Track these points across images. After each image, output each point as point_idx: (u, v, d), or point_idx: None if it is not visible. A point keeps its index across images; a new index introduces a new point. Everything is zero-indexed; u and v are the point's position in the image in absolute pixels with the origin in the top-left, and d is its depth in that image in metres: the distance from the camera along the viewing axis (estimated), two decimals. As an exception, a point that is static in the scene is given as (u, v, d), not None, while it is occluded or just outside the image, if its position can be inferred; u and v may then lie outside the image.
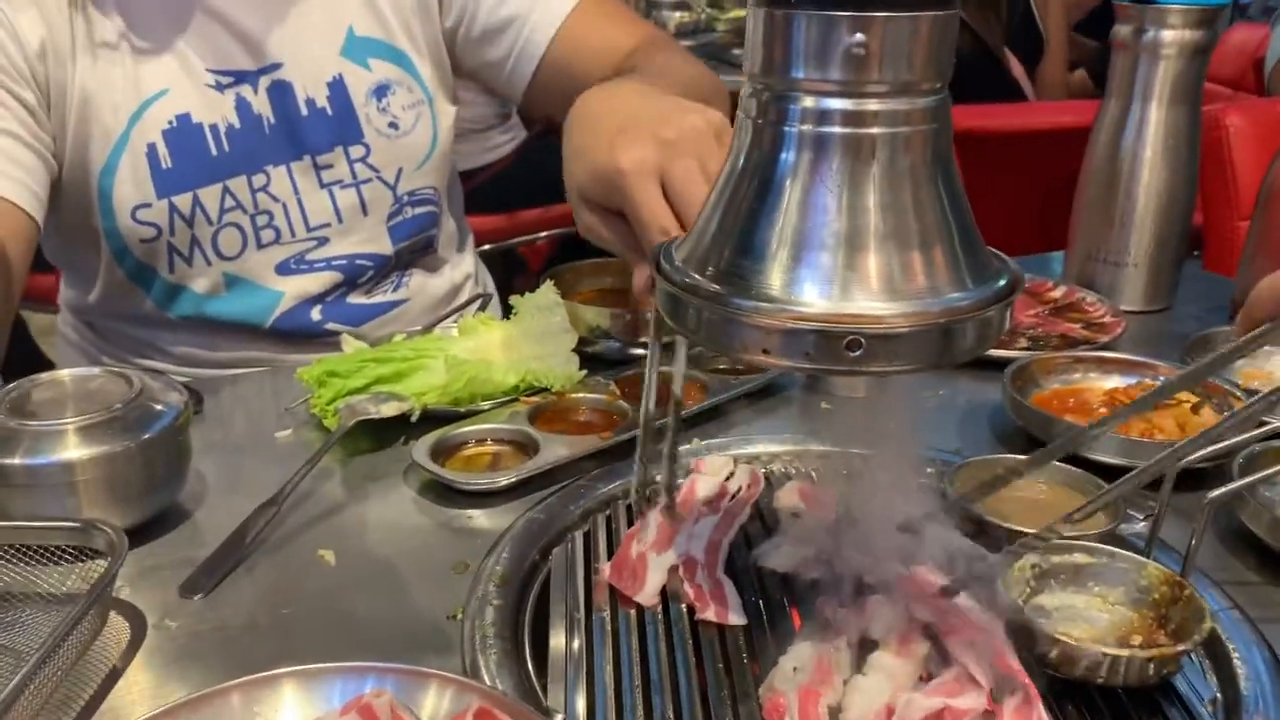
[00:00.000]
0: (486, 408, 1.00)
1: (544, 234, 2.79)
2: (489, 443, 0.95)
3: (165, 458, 0.82)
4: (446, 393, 0.98)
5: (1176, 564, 0.75)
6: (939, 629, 0.70)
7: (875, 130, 0.60)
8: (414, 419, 0.97)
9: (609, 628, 0.72)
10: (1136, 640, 0.69)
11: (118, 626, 0.72)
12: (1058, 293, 1.32)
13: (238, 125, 1.17)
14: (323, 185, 1.22)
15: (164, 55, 1.14)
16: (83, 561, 0.74)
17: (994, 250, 0.66)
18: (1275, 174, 1.21)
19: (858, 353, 0.59)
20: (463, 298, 1.38)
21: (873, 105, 0.59)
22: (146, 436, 0.80)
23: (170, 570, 0.78)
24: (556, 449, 0.92)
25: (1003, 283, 0.64)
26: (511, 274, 2.80)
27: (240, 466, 0.94)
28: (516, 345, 1.06)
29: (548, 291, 1.10)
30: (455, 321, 1.19)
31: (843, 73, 0.59)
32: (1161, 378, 1.03)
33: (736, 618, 0.72)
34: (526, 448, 0.94)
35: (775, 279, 0.61)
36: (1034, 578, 0.73)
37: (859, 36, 0.57)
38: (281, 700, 0.54)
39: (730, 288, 0.62)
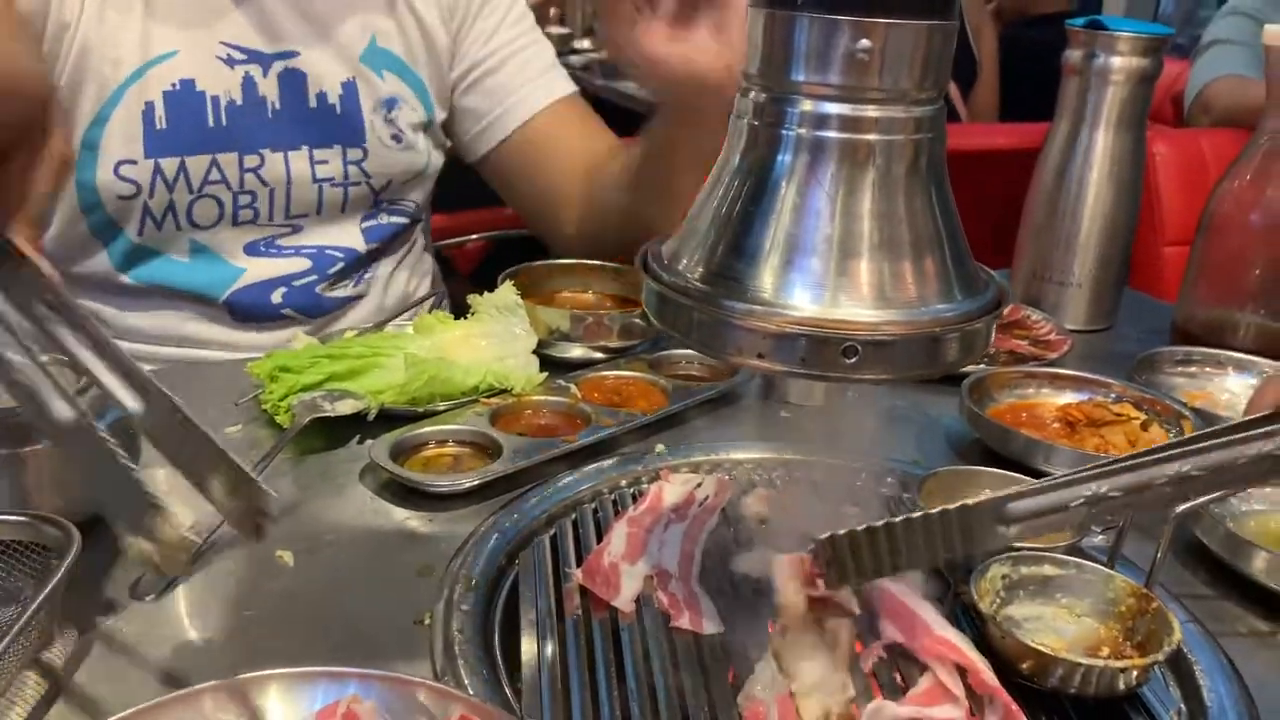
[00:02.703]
0: (444, 408, 0.98)
1: (474, 236, 2.76)
2: (449, 444, 0.93)
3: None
4: (405, 392, 0.96)
5: (1136, 576, 0.77)
6: (908, 644, 0.70)
7: (873, 137, 0.60)
8: (370, 418, 0.95)
9: (582, 634, 0.71)
10: (1104, 651, 0.70)
11: (65, 629, 0.68)
12: (1004, 310, 1.33)
13: (239, 102, 1.15)
14: (315, 180, 1.22)
15: (179, 19, 1.12)
16: (23, 558, 0.70)
17: (981, 265, 0.66)
18: (1217, 200, 1.25)
19: (854, 359, 0.58)
20: (418, 295, 1.36)
21: (872, 111, 0.59)
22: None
23: (119, 571, 0.74)
24: (519, 451, 0.90)
25: (989, 296, 0.65)
26: (442, 276, 2.76)
27: (187, 463, 0.90)
28: (475, 345, 1.04)
29: (507, 292, 1.09)
30: (409, 319, 1.17)
31: (844, 77, 0.58)
32: (1113, 394, 1.05)
33: (712, 626, 0.71)
34: (487, 450, 0.92)
35: (768, 282, 0.60)
36: (1004, 589, 0.74)
37: (864, 42, 0.57)
38: (258, 705, 0.52)
39: (722, 289, 0.61)
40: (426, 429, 0.93)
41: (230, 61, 1.15)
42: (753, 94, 0.62)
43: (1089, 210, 1.31)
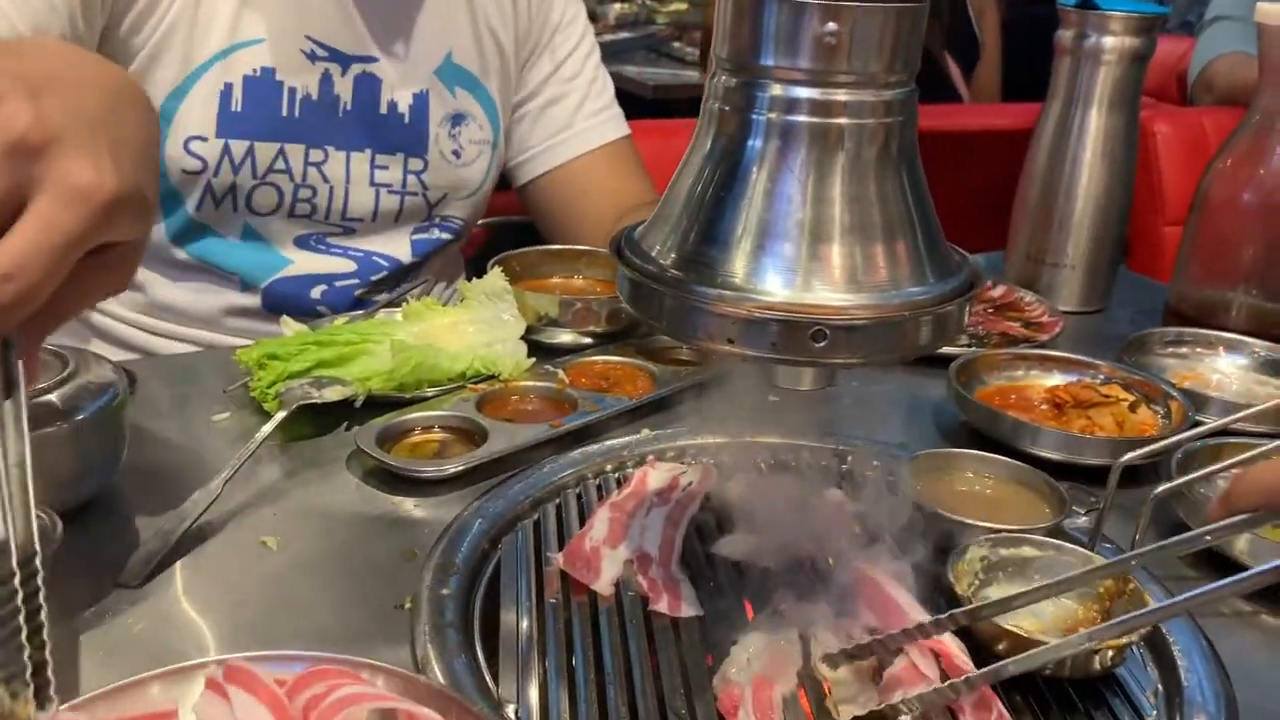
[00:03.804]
0: (431, 394, 0.98)
1: (477, 222, 2.75)
2: (435, 430, 0.93)
3: (99, 441, 0.79)
4: (392, 378, 0.96)
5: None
6: (884, 628, 0.70)
7: (843, 121, 0.60)
8: (357, 404, 0.95)
9: (561, 617, 0.71)
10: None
11: (50, 617, 0.68)
12: (997, 292, 1.34)
13: (315, 97, 1.18)
14: (373, 183, 1.24)
15: (272, 8, 1.14)
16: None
17: (954, 246, 0.66)
18: (1210, 180, 1.24)
19: (823, 344, 0.58)
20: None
21: (841, 95, 0.59)
22: (80, 418, 0.76)
23: (104, 557, 0.75)
24: (505, 437, 0.90)
25: (962, 278, 0.64)
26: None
27: (175, 450, 0.91)
28: (464, 332, 1.04)
29: (496, 278, 1.09)
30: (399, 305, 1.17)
31: (812, 62, 0.58)
32: (1102, 376, 1.05)
33: (690, 609, 0.72)
34: (473, 435, 0.92)
35: (739, 267, 0.60)
36: (983, 570, 0.74)
37: (831, 25, 0.57)
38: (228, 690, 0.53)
39: (693, 275, 0.61)
40: (413, 415, 0.94)
41: (313, 56, 1.17)
42: (722, 78, 0.62)
43: (1082, 191, 1.31)
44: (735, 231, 0.61)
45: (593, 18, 3.90)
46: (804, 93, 0.59)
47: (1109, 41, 1.26)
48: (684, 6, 3.92)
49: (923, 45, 0.63)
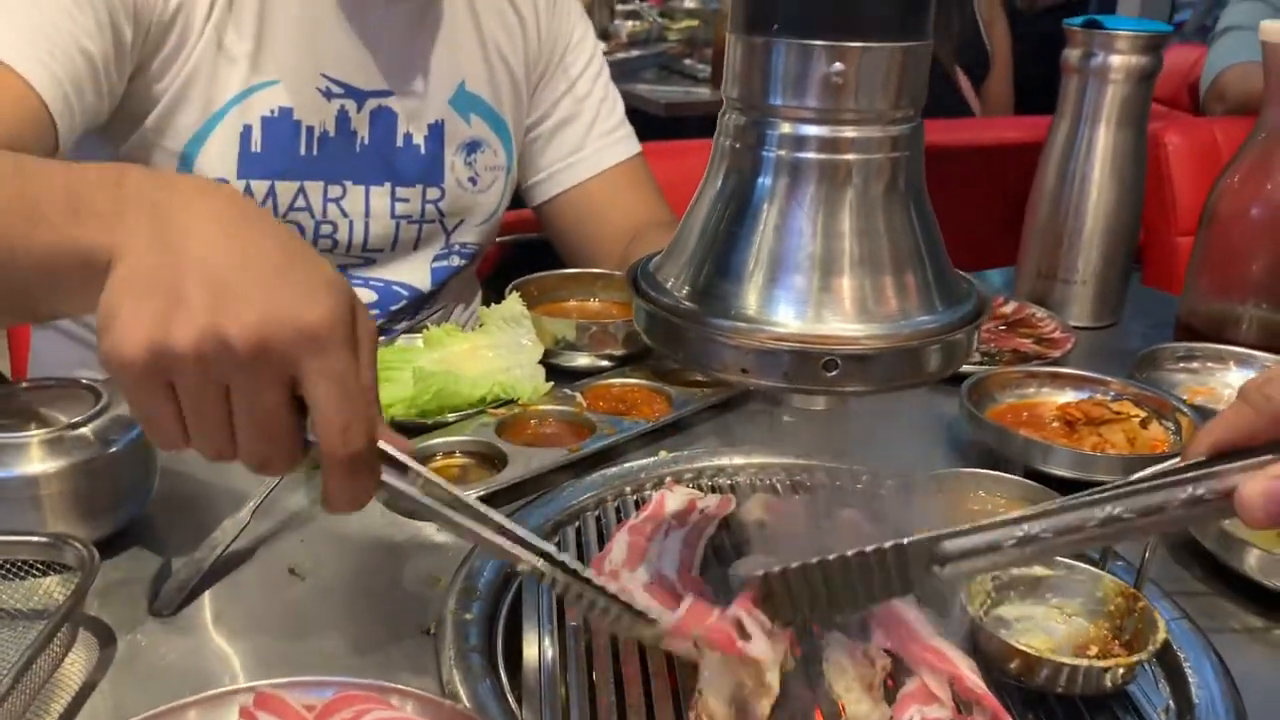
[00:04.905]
0: (452, 420, 1.00)
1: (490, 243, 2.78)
2: (456, 455, 0.96)
3: (132, 471, 0.81)
4: (414, 405, 0.98)
5: (1129, 575, 0.78)
6: (897, 650, 0.71)
7: (850, 157, 0.61)
8: (380, 431, 0.97)
9: (582, 641, 0.73)
10: (1093, 650, 0.72)
11: (87, 644, 0.71)
12: (1009, 308, 1.35)
13: (332, 134, 1.20)
14: (393, 216, 1.26)
15: (287, 49, 1.16)
16: (47, 577, 0.74)
17: (962, 273, 0.68)
18: (1218, 195, 1.25)
19: (834, 373, 0.60)
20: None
21: (848, 132, 0.61)
22: (113, 450, 0.79)
23: (138, 585, 0.77)
24: (524, 461, 0.92)
25: (970, 306, 0.66)
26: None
27: (203, 480, 0.93)
28: (483, 357, 1.06)
29: (514, 303, 1.11)
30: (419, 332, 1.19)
31: (819, 100, 0.60)
32: (1113, 393, 1.06)
33: (708, 632, 0.73)
34: (493, 460, 0.94)
35: (752, 299, 0.62)
36: (994, 589, 0.76)
37: (838, 66, 0.59)
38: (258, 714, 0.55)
39: (707, 307, 0.63)
40: (435, 440, 0.96)
41: (329, 94, 1.19)
42: (732, 116, 0.64)
43: (1091, 208, 1.32)
44: (748, 265, 0.63)
45: (605, 36, 3.93)
46: (812, 130, 0.61)
47: (1115, 60, 1.28)
48: (695, 23, 3.94)
49: (932, 61, 0.65)
